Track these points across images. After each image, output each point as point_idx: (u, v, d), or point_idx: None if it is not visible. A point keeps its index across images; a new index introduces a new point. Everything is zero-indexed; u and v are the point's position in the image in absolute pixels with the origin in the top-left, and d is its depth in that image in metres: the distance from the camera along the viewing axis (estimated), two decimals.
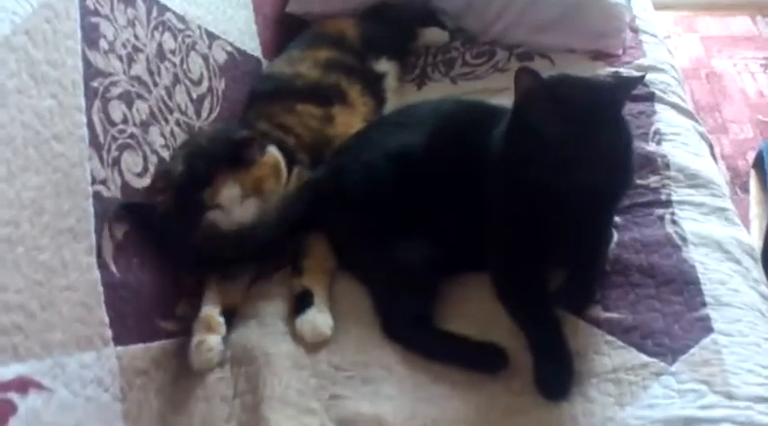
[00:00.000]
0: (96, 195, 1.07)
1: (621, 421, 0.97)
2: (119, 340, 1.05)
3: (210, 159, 1.21)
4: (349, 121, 1.43)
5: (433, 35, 1.75)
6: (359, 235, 1.23)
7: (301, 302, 1.17)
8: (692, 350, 1.03)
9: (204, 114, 1.37)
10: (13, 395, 0.88)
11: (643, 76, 1.25)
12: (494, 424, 1.00)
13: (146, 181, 1.18)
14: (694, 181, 1.31)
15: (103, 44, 1.14)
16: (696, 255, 1.17)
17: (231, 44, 1.50)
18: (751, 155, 2.23)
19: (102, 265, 1.06)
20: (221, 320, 1.16)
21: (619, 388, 1.01)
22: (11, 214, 0.92)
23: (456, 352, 1.09)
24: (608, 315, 1.10)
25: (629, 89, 1.13)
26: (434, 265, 1.18)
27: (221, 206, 1.20)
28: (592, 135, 1.03)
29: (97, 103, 1.10)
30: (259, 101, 1.46)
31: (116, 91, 1.15)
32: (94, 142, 1.08)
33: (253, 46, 1.59)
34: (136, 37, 1.22)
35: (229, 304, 1.21)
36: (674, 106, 1.50)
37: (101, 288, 1.04)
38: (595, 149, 1.03)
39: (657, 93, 1.51)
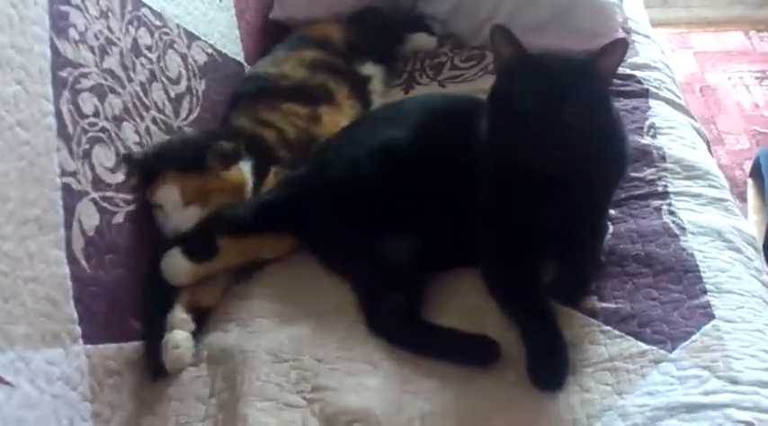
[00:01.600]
0: (65, 187, 1.02)
1: (620, 409, 0.91)
2: (88, 338, 1.00)
3: (166, 158, 1.17)
4: (336, 121, 1.39)
5: (421, 41, 1.72)
6: (342, 230, 1.18)
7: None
8: (693, 337, 0.98)
9: (183, 114, 1.33)
10: None
11: (624, 40, 1.18)
12: (486, 418, 0.94)
13: (119, 177, 1.13)
14: (691, 172, 1.27)
15: (73, 34, 1.10)
16: (695, 244, 1.12)
17: (212, 46, 1.47)
18: (748, 165, 2.20)
19: (71, 260, 1.01)
20: (186, 317, 1.11)
21: (616, 377, 0.95)
22: None
23: (445, 346, 1.04)
24: (604, 305, 1.05)
25: (611, 59, 1.04)
26: (419, 259, 1.13)
27: (161, 206, 1.16)
28: (559, 106, 0.98)
29: (66, 94, 1.06)
30: (242, 101, 1.43)
31: (87, 83, 1.11)
32: (63, 133, 1.04)
33: (235, 50, 1.56)
34: (109, 29, 1.18)
35: (205, 304, 1.16)
36: (668, 102, 1.47)
37: (69, 283, 0.99)
38: (565, 122, 0.98)
39: (652, 89, 1.48)
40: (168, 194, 1.17)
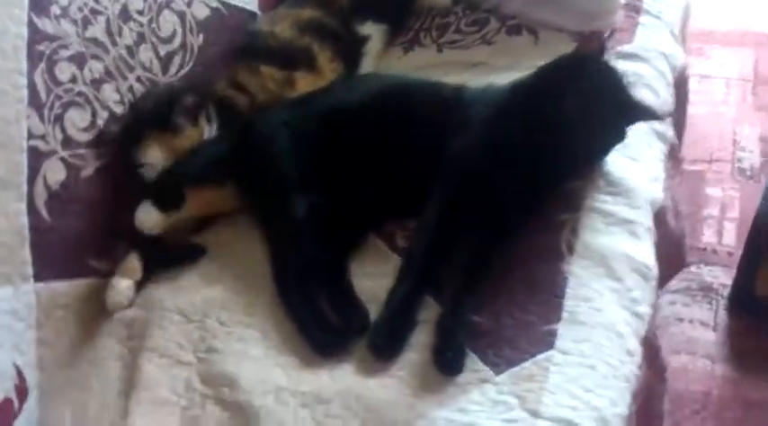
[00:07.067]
0: (31, 149, 1.21)
1: (431, 419, 1.04)
2: (39, 276, 1.21)
3: (145, 119, 1.34)
4: (311, 86, 1.50)
5: None
6: (264, 185, 1.33)
7: None
8: (523, 364, 1.08)
9: (173, 70, 1.48)
10: None
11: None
12: (343, 395, 1.08)
13: (91, 135, 1.32)
14: (614, 188, 1.30)
15: (55, 9, 1.26)
16: (576, 268, 1.19)
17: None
18: None
19: (31, 211, 1.21)
20: (137, 266, 1.31)
21: (446, 388, 1.07)
22: None
23: (307, 321, 1.18)
24: (473, 318, 1.15)
25: None
26: (330, 221, 1.27)
27: (149, 164, 1.34)
28: None
29: (42, 66, 1.23)
30: (237, 57, 1.55)
31: (66, 53, 1.27)
32: (35, 102, 1.21)
33: None
34: (96, 0, 1.33)
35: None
36: None
37: (26, 232, 1.20)
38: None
39: None
40: (153, 153, 1.35)
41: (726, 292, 1.84)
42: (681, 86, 1.70)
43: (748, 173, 2.16)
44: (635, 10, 1.66)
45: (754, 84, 2.42)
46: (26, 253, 1.21)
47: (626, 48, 1.57)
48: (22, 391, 1.18)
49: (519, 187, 1.23)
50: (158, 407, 1.14)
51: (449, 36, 1.69)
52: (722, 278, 1.87)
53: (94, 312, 1.29)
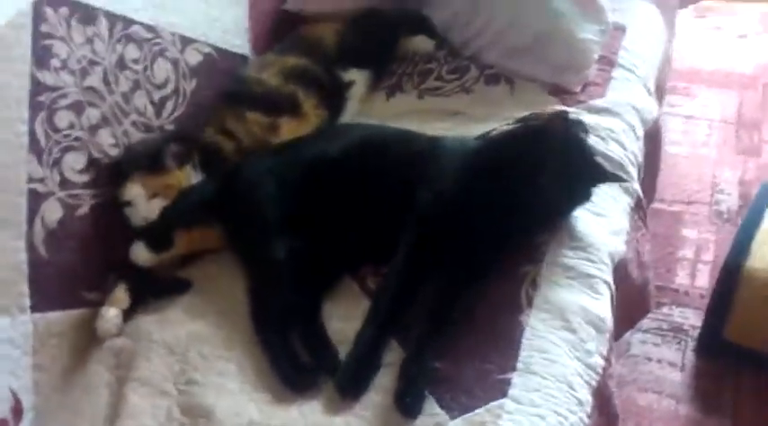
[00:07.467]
0: (31, 192, 1.31)
1: None
2: (36, 308, 1.31)
3: (131, 162, 1.44)
4: (295, 131, 1.59)
5: (418, 43, 1.84)
6: (244, 228, 1.42)
7: None
8: (477, 410, 1.16)
9: (165, 114, 1.57)
10: None
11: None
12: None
13: (87, 177, 1.41)
14: (576, 243, 1.38)
15: (55, 63, 1.35)
16: (534, 320, 1.27)
17: (210, 45, 1.67)
18: None
19: (30, 248, 1.31)
20: (124, 296, 1.39)
21: None
22: None
23: (279, 357, 1.26)
24: (435, 363, 1.22)
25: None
26: (308, 264, 1.36)
27: (129, 202, 1.43)
28: None
29: (42, 114, 1.33)
30: (224, 101, 1.64)
31: (64, 102, 1.37)
32: (35, 148, 1.31)
33: (238, 43, 1.76)
34: (93, 52, 1.42)
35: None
36: (606, 159, 1.51)
37: (25, 267, 1.29)
38: None
39: (593, 140, 1.53)
40: (135, 191, 1.44)
41: (695, 334, 1.90)
42: (653, 137, 1.78)
43: (725, 216, 2.22)
44: (609, 64, 1.74)
45: (737, 127, 2.49)
46: (24, 287, 1.30)
47: (598, 102, 1.65)
48: (17, 412, 1.27)
49: (484, 240, 1.31)
50: None
51: (430, 83, 1.77)
52: (692, 319, 1.94)
53: (87, 340, 1.38)
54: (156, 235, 1.44)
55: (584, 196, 1.36)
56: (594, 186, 1.37)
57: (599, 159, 1.40)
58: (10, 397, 1.26)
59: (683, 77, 2.64)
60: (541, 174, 1.28)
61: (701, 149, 2.43)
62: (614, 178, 1.42)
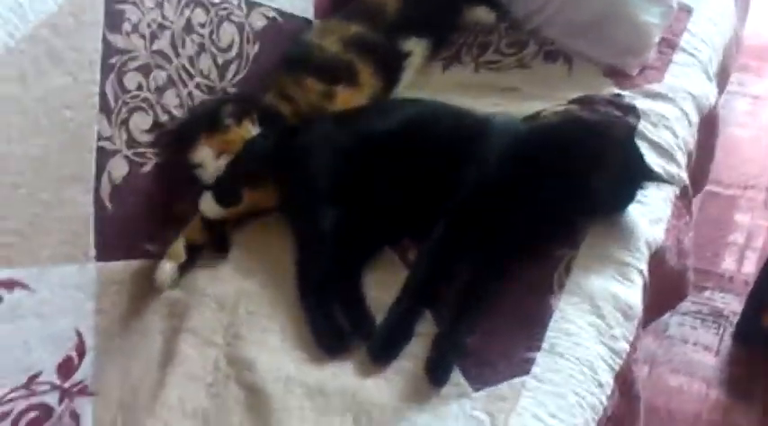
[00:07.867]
0: (100, 149, 1.40)
1: (412, 422, 1.19)
2: (100, 257, 1.42)
3: (198, 122, 1.52)
4: (350, 100, 1.65)
5: (481, 14, 1.86)
6: (295, 192, 1.49)
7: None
8: (499, 385, 1.22)
9: (229, 76, 1.64)
10: (1, 291, 1.29)
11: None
12: (342, 390, 1.24)
13: (152, 136, 1.50)
14: (614, 230, 1.40)
15: (126, 26, 1.43)
16: (563, 304, 1.31)
17: (276, 9, 1.73)
18: None
19: (97, 202, 1.41)
20: (181, 251, 1.50)
21: (430, 397, 1.22)
22: (18, 166, 1.28)
23: (317, 321, 1.34)
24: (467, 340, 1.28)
25: None
26: (353, 233, 1.43)
27: (200, 164, 1.52)
28: None
29: (112, 76, 1.41)
30: (285, 65, 1.70)
31: (134, 64, 1.45)
32: (105, 108, 1.40)
33: (303, 6, 1.81)
34: (163, 16, 1.49)
35: (200, 242, 1.54)
36: (654, 146, 1.53)
37: (92, 219, 1.40)
38: None
39: (643, 126, 1.55)
40: (204, 152, 1.53)
41: (734, 320, 1.91)
42: (709, 123, 1.76)
43: None
44: (671, 46, 1.73)
45: None
46: (90, 238, 1.41)
47: (654, 86, 1.64)
48: (81, 351, 1.40)
49: (524, 225, 1.36)
50: (189, 382, 1.33)
51: (488, 55, 1.80)
52: (733, 305, 1.95)
53: (145, 289, 1.49)
54: (226, 189, 1.53)
55: (629, 197, 1.39)
56: (641, 188, 1.39)
57: (648, 162, 1.41)
58: (75, 337, 1.38)
59: (756, 55, 2.56)
60: (593, 174, 1.31)
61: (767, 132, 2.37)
62: (661, 180, 1.44)
